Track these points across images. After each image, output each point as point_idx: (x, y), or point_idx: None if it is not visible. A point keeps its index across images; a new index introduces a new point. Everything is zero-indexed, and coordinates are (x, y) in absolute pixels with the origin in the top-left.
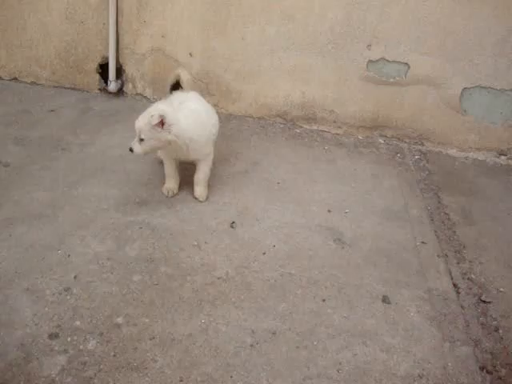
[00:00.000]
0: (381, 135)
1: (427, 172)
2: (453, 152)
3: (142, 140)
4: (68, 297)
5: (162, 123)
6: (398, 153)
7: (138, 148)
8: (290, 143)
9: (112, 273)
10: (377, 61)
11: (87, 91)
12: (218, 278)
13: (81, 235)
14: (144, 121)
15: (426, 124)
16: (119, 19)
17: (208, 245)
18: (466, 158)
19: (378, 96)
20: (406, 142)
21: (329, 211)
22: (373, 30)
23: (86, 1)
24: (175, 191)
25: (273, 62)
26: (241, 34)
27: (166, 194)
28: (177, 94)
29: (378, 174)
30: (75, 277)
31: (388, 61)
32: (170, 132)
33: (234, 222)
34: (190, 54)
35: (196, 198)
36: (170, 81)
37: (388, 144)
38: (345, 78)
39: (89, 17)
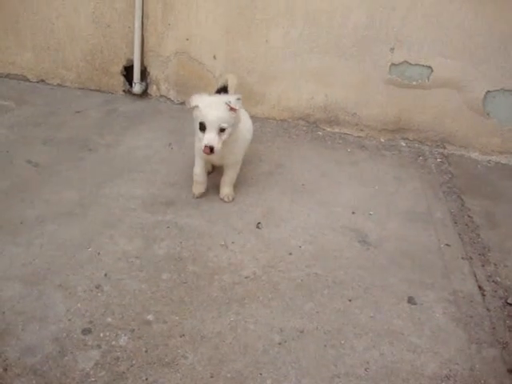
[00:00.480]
0: (403, 138)
1: (450, 175)
2: (475, 155)
3: (222, 131)
4: (99, 294)
5: (234, 108)
6: (420, 156)
7: (218, 142)
8: (313, 145)
9: (141, 271)
10: (399, 64)
11: (112, 93)
12: (246, 278)
13: (109, 234)
14: (224, 108)
15: (448, 127)
16: (144, 22)
17: (235, 245)
18: (489, 161)
19: (401, 99)
20: (427, 145)
21: (353, 213)
22: (396, 33)
23: (112, 5)
24: (202, 191)
25: (296, 65)
26: (264, 37)
27: (193, 195)
28: (215, 96)
29: (401, 176)
30: (105, 274)
31: (411, 64)
32: (237, 115)
33: (259, 223)
34: (214, 57)
35: (222, 199)
36: (219, 84)
37: (410, 147)
38: (367, 80)
39: (115, 20)
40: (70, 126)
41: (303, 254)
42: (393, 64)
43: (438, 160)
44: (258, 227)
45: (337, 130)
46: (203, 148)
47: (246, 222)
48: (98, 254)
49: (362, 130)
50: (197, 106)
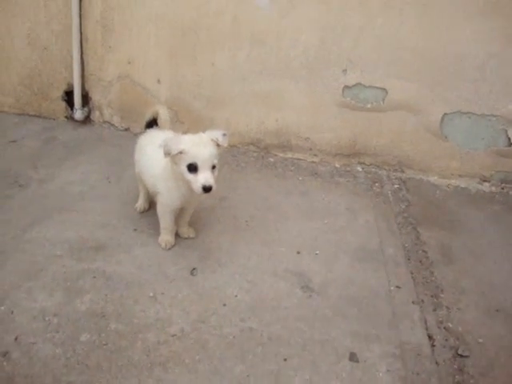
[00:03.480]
0: (359, 163)
1: (406, 203)
2: (434, 179)
3: (213, 168)
4: (5, 363)
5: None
6: (376, 182)
7: (213, 180)
8: (263, 174)
9: (58, 331)
10: (353, 86)
11: (53, 119)
12: (172, 336)
13: (28, 287)
14: (213, 145)
15: (405, 150)
16: (84, 45)
17: (165, 296)
18: (448, 185)
19: (356, 122)
20: (385, 170)
21: (298, 253)
22: (348, 54)
23: (48, 26)
24: (173, 243)
25: (244, 88)
26: (210, 60)
27: (164, 246)
28: (156, 133)
29: (354, 207)
30: (16, 338)
31: (365, 86)
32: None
33: (194, 269)
34: (159, 81)
35: (187, 238)
36: (147, 117)
37: (366, 172)
38: (320, 103)
39: (52, 43)
40: (2, 158)
41: (239, 304)
42: (346, 86)
43: (396, 186)
44: (192, 274)
45: (289, 155)
46: (200, 190)
47: (179, 267)
48: (12, 312)
49: (315, 155)
50: (182, 151)
